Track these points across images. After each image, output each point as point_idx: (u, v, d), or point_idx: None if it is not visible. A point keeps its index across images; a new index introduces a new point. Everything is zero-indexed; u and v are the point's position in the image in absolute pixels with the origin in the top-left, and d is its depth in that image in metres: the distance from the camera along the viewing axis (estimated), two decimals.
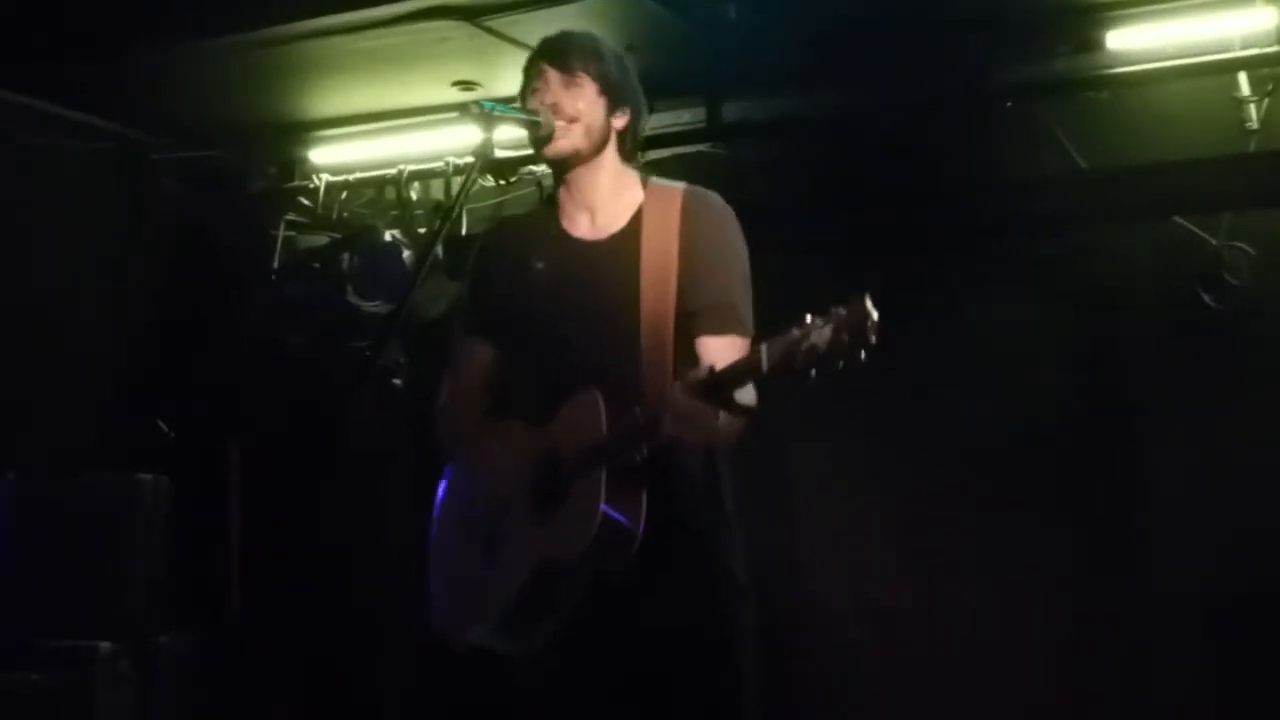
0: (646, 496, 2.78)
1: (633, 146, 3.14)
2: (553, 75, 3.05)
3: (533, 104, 3.05)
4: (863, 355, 2.47)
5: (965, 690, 4.59)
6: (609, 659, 2.91)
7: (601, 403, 2.83)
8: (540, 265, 3.06)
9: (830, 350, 2.48)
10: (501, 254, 3.16)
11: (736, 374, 2.65)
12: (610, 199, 3.08)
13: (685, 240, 2.98)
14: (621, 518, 2.76)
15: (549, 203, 3.20)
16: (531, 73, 3.09)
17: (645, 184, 3.10)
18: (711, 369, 2.66)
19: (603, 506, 2.74)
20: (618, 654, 2.91)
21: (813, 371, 2.51)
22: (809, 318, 2.53)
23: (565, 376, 2.93)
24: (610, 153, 3.09)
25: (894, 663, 4.74)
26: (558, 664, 2.94)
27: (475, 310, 3.17)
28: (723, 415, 2.70)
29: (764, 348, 2.59)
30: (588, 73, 3.04)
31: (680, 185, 3.09)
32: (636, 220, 3.04)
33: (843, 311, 2.49)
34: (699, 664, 2.91)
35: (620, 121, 3.08)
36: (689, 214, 3.01)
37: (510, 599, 2.87)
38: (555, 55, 3.07)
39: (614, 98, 3.07)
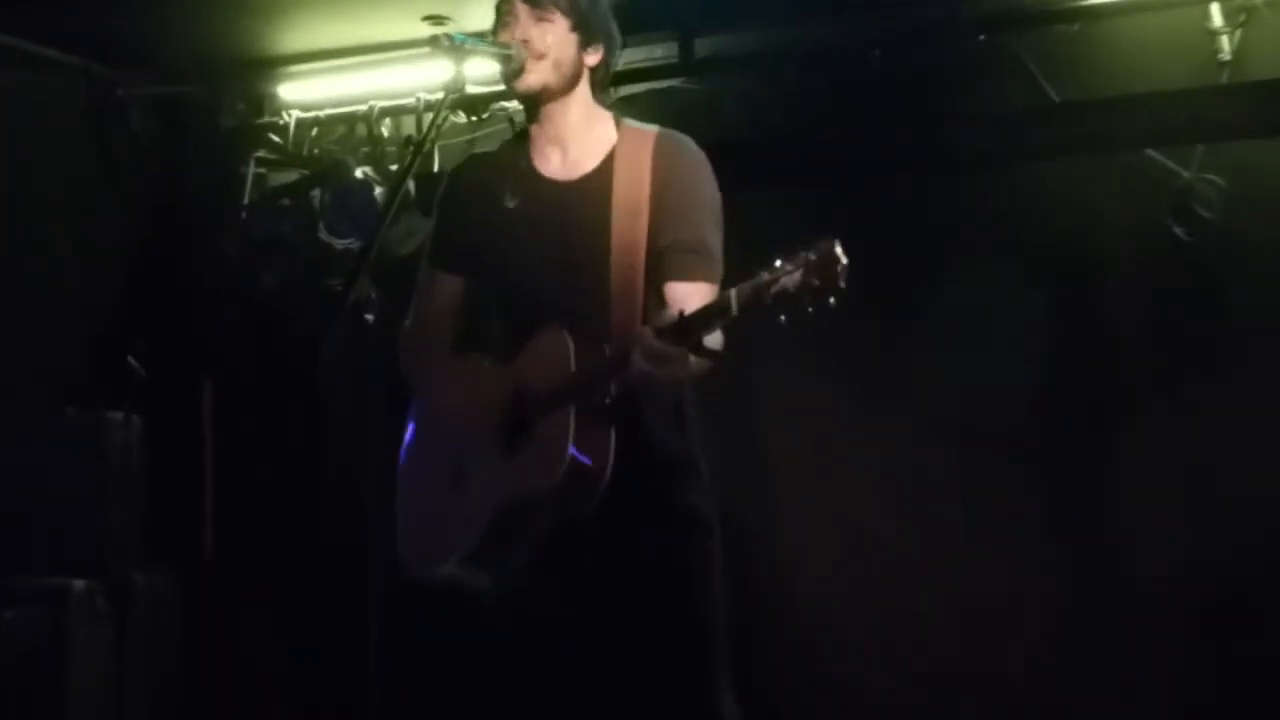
0: (614, 437, 2.80)
1: (605, 82, 3.13)
2: (523, 9, 3.03)
3: (504, 38, 3.03)
4: (832, 300, 2.50)
5: (948, 632, 4.63)
6: (577, 596, 2.95)
7: (569, 341, 2.85)
8: (511, 202, 3.06)
9: (799, 294, 2.51)
10: (472, 188, 3.16)
11: (706, 318, 2.68)
12: (582, 134, 3.08)
13: (657, 183, 2.98)
14: (588, 459, 2.79)
15: (519, 138, 3.20)
16: (503, 7, 3.07)
17: (619, 124, 3.09)
18: (681, 313, 2.69)
19: (570, 449, 2.77)
20: (586, 591, 2.94)
21: (782, 316, 2.54)
22: (778, 262, 2.55)
23: (533, 313, 2.95)
24: (582, 89, 3.08)
25: (876, 637, 4.76)
26: (526, 602, 2.97)
27: (443, 242, 3.18)
28: (691, 358, 2.73)
29: (733, 292, 2.61)
30: (558, 7, 3.02)
31: (654, 128, 3.09)
32: (609, 161, 3.04)
33: (812, 256, 2.51)
34: (667, 600, 2.94)
35: (592, 58, 3.07)
36: (662, 157, 3.01)
37: (478, 532, 2.90)
38: None
39: (586, 33, 3.05)
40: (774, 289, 2.53)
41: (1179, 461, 4.41)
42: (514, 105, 5.02)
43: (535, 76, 3.01)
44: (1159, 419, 4.45)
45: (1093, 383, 4.57)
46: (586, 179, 3.05)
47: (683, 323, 2.68)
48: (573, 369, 2.83)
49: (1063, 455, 4.57)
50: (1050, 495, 4.57)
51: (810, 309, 2.51)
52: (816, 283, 2.50)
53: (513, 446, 2.91)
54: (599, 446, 2.79)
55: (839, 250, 2.50)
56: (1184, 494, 4.39)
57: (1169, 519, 4.41)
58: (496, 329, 3.09)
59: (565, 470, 2.77)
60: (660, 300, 2.92)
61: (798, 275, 2.51)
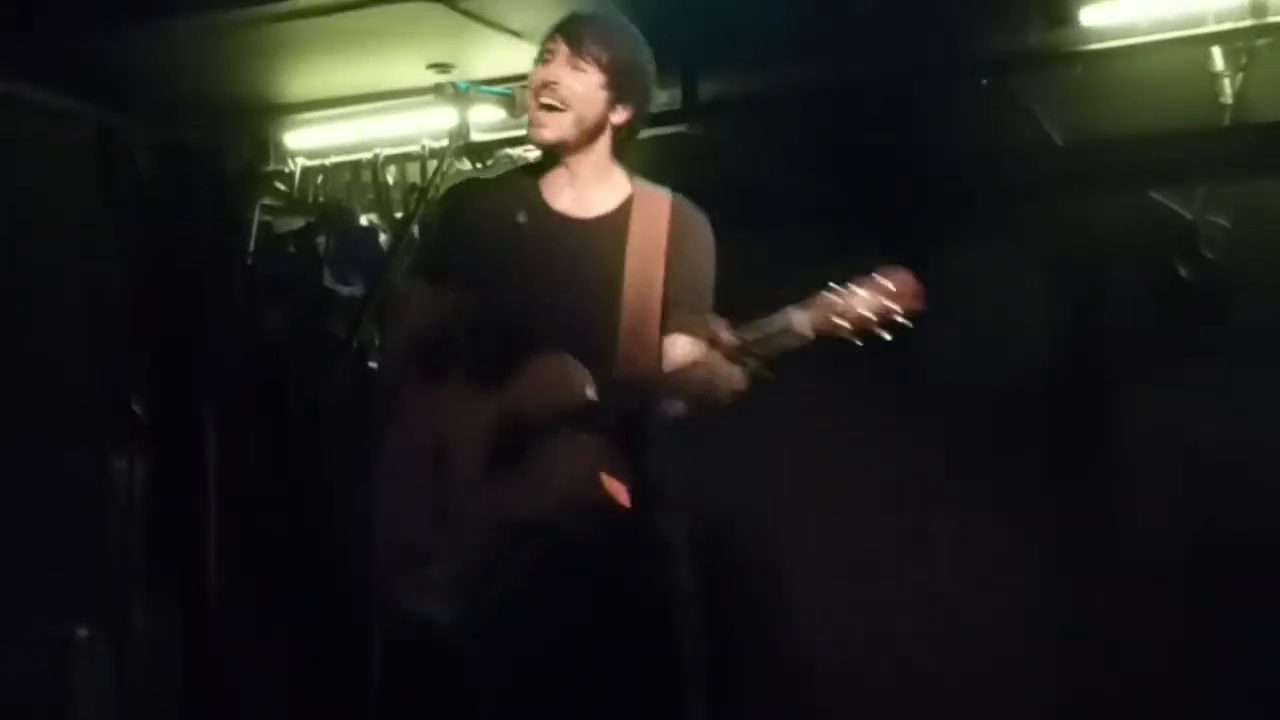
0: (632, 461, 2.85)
1: (628, 141, 3.11)
2: (563, 49, 3.01)
3: (540, 74, 3.01)
4: (904, 323, 2.67)
5: (944, 642, 4.65)
6: (551, 625, 2.92)
7: (578, 367, 2.86)
8: (523, 227, 3.04)
9: (869, 317, 2.67)
10: (480, 205, 3.10)
11: (780, 334, 2.74)
12: (595, 183, 3.07)
13: (674, 240, 3.02)
14: (617, 483, 2.83)
15: (526, 170, 3.18)
16: (546, 42, 3.05)
17: (632, 180, 3.10)
18: (756, 326, 2.75)
19: (602, 473, 2.82)
20: (561, 620, 2.92)
21: (856, 339, 2.69)
22: (848, 284, 2.70)
23: (534, 335, 2.94)
24: (602, 144, 3.06)
25: (873, 619, 4.78)
26: (501, 631, 2.94)
27: (443, 254, 3.08)
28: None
29: (801, 310, 2.72)
30: (596, 59, 3.00)
31: (667, 191, 3.10)
32: (625, 208, 3.05)
33: (887, 282, 2.69)
34: (648, 629, 2.94)
35: (619, 116, 3.05)
36: (679, 219, 3.05)
37: (468, 560, 2.88)
38: (571, 31, 3.03)
39: (618, 91, 3.03)
40: (847, 309, 2.68)
41: (1183, 508, 4.39)
42: (518, 151, 5.05)
43: (552, 131, 3.01)
44: (1163, 462, 4.45)
45: (1097, 420, 4.56)
46: (601, 220, 3.05)
47: (764, 338, 2.74)
48: (588, 395, 2.84)
49: (1068, 495, 4.56)
50: (1053, 527, 4.57)
51: (880, 331, 2.67)
52: (893, 305, 2.67)
53: (511, 471, 2.89)
54: (621, 470, 2.83)
55: (912, 276, 2.68)
56: (1187, 544, 4.38)
57: (1175, 570, 4.40)
58: (488, 347, 3.02)
59: (595, 494, 2.81)
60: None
61: (869, 296, 2.67)
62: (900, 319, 2.68)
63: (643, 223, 3.02)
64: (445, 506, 2.96)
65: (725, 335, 2.76)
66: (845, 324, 2.69)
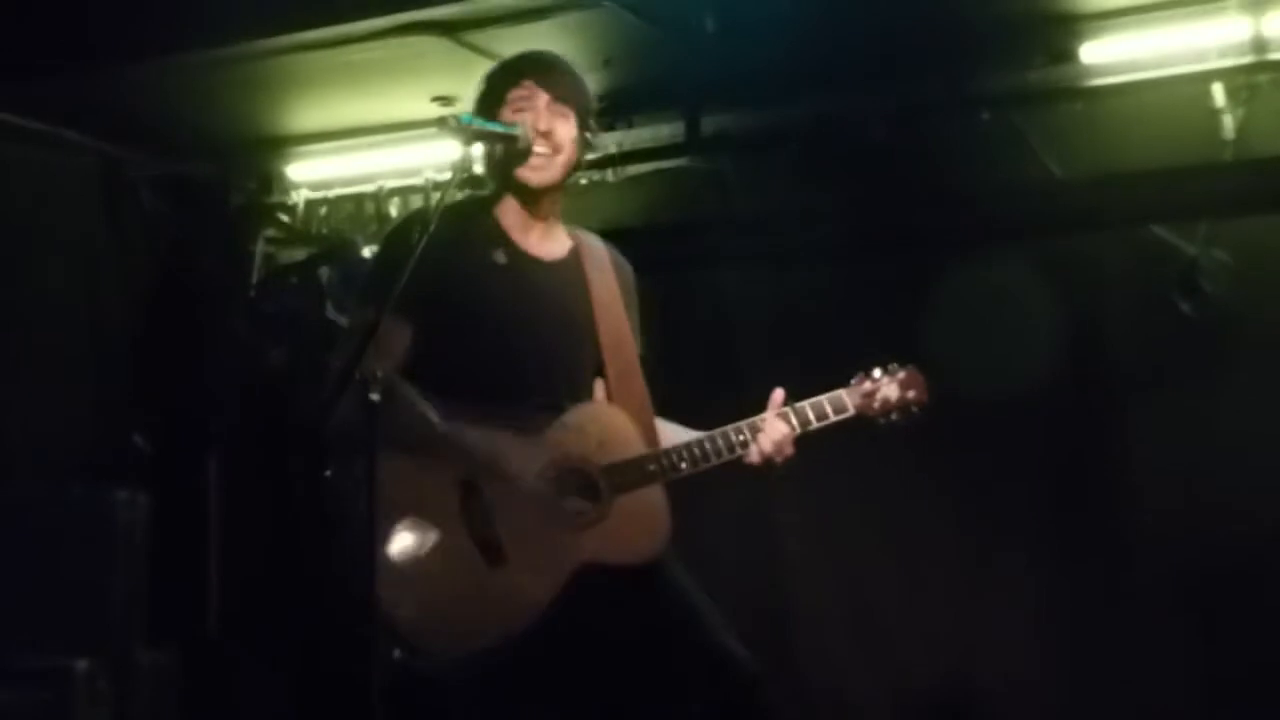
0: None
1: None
2: (542, 98, 3.07)
3: (509, 115, 3.06)
4: (916, 412, 3.21)
5: (945, 672, 4.64)
6: (583, 660, 2.98)
7: (628, 419, 3.04)
8: (502, 268, 3.08)
9: (895, 404, 3.17)
10: (454, 240, 3.04)
11: (826, 414, 3.14)
12: (553, 227, 3.18)
13: (623, 287, 3.18)
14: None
15: (478, 205, 3.20)
16: (509, 82, 3.10)
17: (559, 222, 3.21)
18: (810, 408, 3.11)
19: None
20: (591, 655, 2.98)
21: (888, 418, 3.18)
22: (875, 371, 3.20)
23: (512, 370, 3.00)
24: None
25: (873, 651, 4.78)
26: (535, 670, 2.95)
27: (410, 288, 2.84)
28: None
29: (846, 393, 3.15)
30: (573, 104, 3.09)
31: (594, 236, 3.25)
32: (576, 253, 3.16)
33: (901, 372, 3.19)
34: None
35: (585, 155, 3.17)
36: (620, 267, 3.22)
37: (541, 602, 2.90)
38: (546, 76, 3.10)
39: (587, 132, 3.14)
40: (879, 395, 3.16)
41: (1184, 542, 4.39)
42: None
43: (547, 174, 3.08)
44: (1164, 495, 4.44)
45: (1098, 454, 4.56)
46: (563, 262, 3.14)
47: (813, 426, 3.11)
48: (652, 444, 3.04)
49: (1069, 528, 4.56)
50: (1054, 560, 4.57)
51: (896, 418, 3.18)
52: (911, 394, 3.19)
53: (592, 514, 2.97)
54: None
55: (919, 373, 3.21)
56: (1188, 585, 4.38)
57: (1175, 602, 4.39)
58: (457, 382, 3.00)
59: (665, 538, 3.00)
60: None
61: (895, 387, 3.16)
62: (915, 410, 3.20)
63: (595, 269, 3.14)
64: (500, 551, 2.95)
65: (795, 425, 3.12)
66: (878, 410, 3.18)
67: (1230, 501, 4.31)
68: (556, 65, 3.13)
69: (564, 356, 3.04)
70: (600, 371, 3.13)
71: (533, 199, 3.12)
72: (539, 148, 3.04)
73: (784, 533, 4.88)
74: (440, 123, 3.00)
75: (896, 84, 4.62)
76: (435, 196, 5.25)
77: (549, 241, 3.15)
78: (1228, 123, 4.32)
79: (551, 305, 3.06)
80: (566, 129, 3.07)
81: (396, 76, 4.74)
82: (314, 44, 4.47)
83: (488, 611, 2.91)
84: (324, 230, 5.67)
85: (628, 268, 3.26)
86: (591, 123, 3.15)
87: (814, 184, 4.85)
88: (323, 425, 2.87)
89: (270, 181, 5.69)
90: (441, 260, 2.95)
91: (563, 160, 3.07)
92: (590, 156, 3.28)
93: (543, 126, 3.04)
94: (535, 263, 3.12)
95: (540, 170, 3.06)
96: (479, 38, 4.39)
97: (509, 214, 3.15)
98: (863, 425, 3.19)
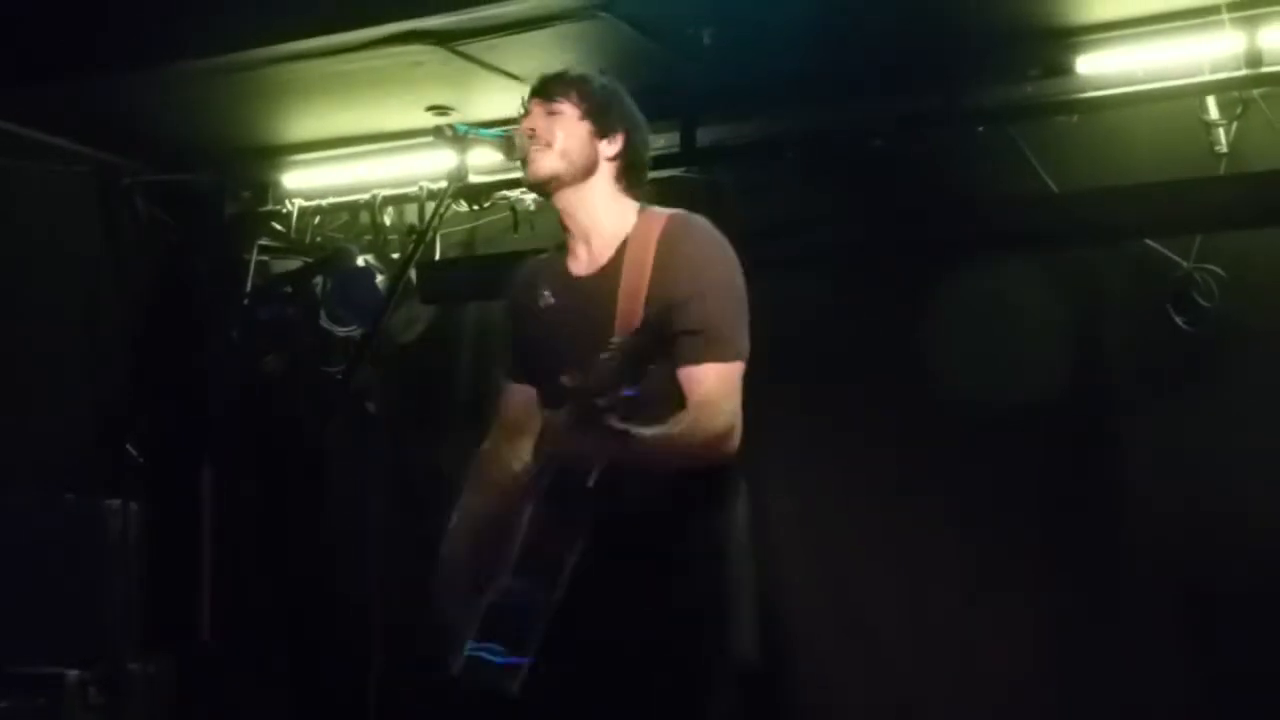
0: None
1: (631, 173, 3.11)
2: (536, 106, 3.08)
3: (524, 125, 3.07)
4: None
5: (939, 672, 4.63)
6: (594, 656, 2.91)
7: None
8: (545, 301, 3.11)
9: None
10: (519, 294, 3.21)
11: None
12: (604, 227, 3.07)
13: (657, 270, 2.97)
14: None
15: (560, 249, 3.20)
16: (524, 105, 3.12)
17: (640, 212, 3.09)
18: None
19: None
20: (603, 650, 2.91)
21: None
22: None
23: (557, 405, 2.93)
24: (601, 179, 3.08)
25: (871, 659, 4.77)
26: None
27: (510, 352, 3.24)
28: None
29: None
30: (567, 99, 3.06)
31: (669, 211, 3.08)
32: (621, 251, 3.03)
33: None
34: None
35: (611, 148, 3.07)
36: (665, 242, 3.00)
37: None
38: (538, 89, 3.11)
39: (599, 123, 3.06)
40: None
41: (1181, 553, 4.39)
42: (515, 194, 5.07)
43: (543, 165, 3.04)
44: (1160, 509, 4.44)
45: (1094, 467, 4.55)
46: (602, 272, 3.04)
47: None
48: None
49: (1065, 541, 4.55)
50: (1051, 572, 4.56)
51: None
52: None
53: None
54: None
55: None
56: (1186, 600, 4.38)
57: (1173, 614, 4.40)
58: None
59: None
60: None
61: None
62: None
63: (632, 259, 3.00)
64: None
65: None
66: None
67: (1227, 512, 4.31)
68: (550, 77, 3.12)
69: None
70: None
71: (554, 203, 3.10)
72: (531, 144, 3.03)
73: (778, 539, 4.87)
74: (435, 132, 3.00)
75: (892, 97, 4.63)
76: (430, 206, 5.27)
77: (597, 252, 3.08)
78: (1221, 136, 4.33)
79: (577, 327, 3.00)
80: (555, 124, 3.04)
81: (391, 86, 4.74)
82: (309, 53, 4.47)
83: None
84: (318, 239, 5.67)
85: (683, 239, 3.01)
86: (604, 107, 3.07)
87: (810, 195, 4.85)
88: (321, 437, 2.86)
89: (265, 190, 5.69)
90: (516, 313, 3.20)
91: (556, 151, 3.03)
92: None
93: (530, 125, 3.05)
94: (574, 288, 3.09)
95: (535, 163, 3.04)
96: (474, 48, 4.39)
97: (567, 239, 3.14)
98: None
